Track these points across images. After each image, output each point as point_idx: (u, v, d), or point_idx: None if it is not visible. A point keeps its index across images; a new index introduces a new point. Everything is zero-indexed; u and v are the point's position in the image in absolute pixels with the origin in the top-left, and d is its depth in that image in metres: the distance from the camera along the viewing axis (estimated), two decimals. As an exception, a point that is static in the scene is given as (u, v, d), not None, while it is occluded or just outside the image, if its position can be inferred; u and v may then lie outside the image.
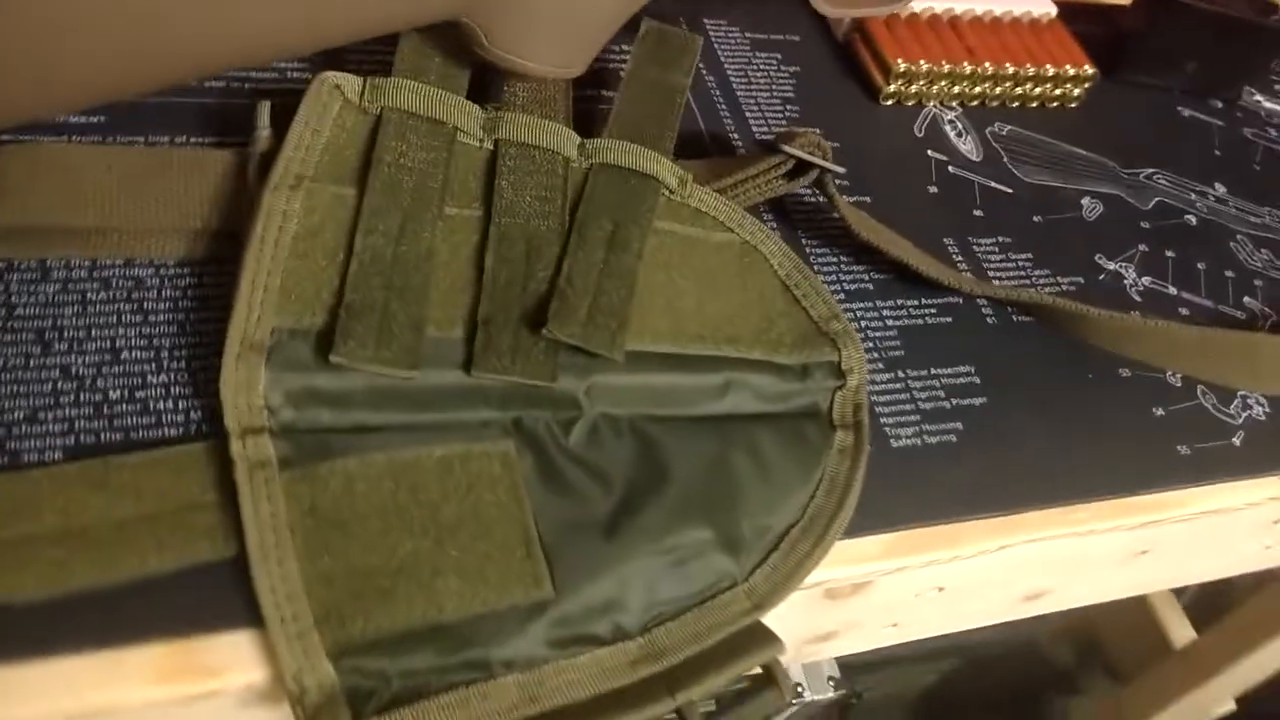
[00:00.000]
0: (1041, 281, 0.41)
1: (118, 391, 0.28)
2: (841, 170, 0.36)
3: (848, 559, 0.31)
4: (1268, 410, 0.39)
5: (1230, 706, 0.98)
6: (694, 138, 0.41)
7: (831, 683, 0.85)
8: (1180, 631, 0.95)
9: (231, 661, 0.25)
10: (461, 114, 0.32)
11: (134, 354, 0.29)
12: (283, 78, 0.37)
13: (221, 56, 0.27)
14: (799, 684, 0.84)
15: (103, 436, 0.28)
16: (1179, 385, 0.39)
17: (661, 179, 0.34)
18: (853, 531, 0.31)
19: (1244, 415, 0.39)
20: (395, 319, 0.28)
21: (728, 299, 0.33)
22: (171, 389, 0.29)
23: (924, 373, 0.36)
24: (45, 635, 0.24)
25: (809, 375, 0.32)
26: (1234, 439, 0.38)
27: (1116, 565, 0.39)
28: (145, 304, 0.30)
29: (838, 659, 0.96)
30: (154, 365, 0.29)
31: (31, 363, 0.28)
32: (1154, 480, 0.36)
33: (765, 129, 0.43)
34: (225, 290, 0.31)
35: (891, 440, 0.34)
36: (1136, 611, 1.00)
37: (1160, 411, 0.38)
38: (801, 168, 0.36)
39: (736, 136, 0.42)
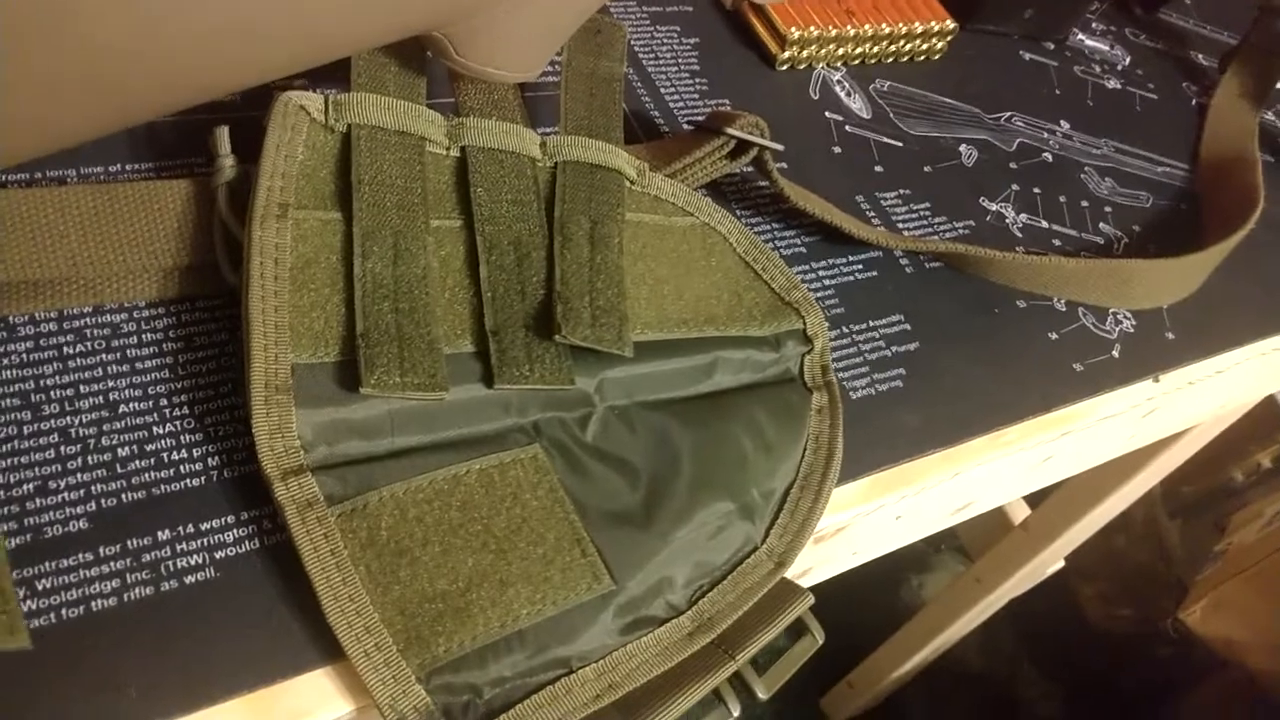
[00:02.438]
0: (941, 228, 0.45)
1: (126, 449, 0.27)
2: (780, 147, 0.39)
3: (835, 507, 0.35)
4: (1134, 324, 0.45)
5: (1060, 564, 1.12)
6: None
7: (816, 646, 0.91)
8: (1017, 510, 1.07)
9: (317, 701, 0.26)
10: (427, 124, 0.32)
11: (131, 406, 0.28)
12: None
13: (208, 80, 0.26)
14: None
15: (124, 498, 0.27)
16: (1064, 310, 0.44)
17: (622, 171, 0.35)
18: (837, 481, 0.35)
19: (1118, 330, 0.45)
20: (412, 343, 0.28)
21: (700, 281, 0.35)
22: (181, 438, 0.28)
23: (864, 326, 0.40)
24: (133, 708, 0.24)
25: (781, 344, 0.35)
26: (1113, 352, 0.44)
27: (1027, 472, 0.45)
28: (128, 351, 0.29)
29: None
30: (156, 416, 0.28)
31: (25, 430, 0.27)
32: (1060, 397, 0.41)
33: (682, 105, 0.44)
34: (209, 328, 0.30)
35: (851, 393, 0.37)
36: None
37: (1054, 335, 0.43)
38: (742, 147, 0.38)
39: (658, 115, 0.43)
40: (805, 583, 0.42)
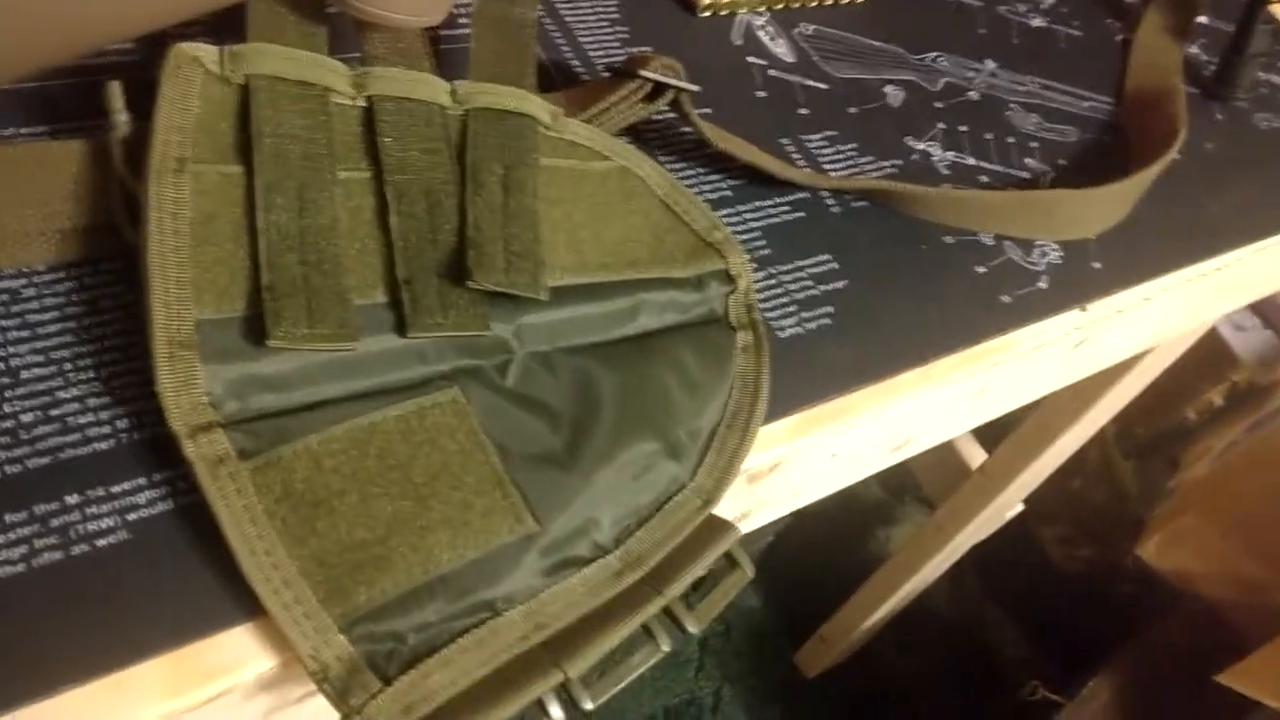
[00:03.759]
0: (867, 168, 0.45)
1: (30, 415, 0.27)
2: (696, 89, 0.38)
3: (763, 444, 0.35)
4: (1061, 254, 0.46)
5: (1019, 508, 1.14)
6: (539, 70, 0.41)
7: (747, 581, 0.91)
8: (974, 454, 1.09)
9: (238, 657, 0.25)
10: (329, 74, 0.32)
11: (34, 372, 0.28)
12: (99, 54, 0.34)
13: (85, 33, 0.25)
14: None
15: (29, 464, 0.26)
16: (991, 243, 0.45)
17: (535, 116, 0.35)
18: (765, 419, 0.35)
19: (1044, 262, 0.45)
20: (320, 293, 0.28)
21: (620, 224, 0.35)
22: (88, 402, 0.28)
23: (791, 266, 0.40)
24: (49, 672, 0.23)
25: (704, 285, 0.35)
26: (1040, 283, 0.44)
27: (962, 405, 0.45)
28: (28, 317, 0.28)
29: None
30: (61, 380, 0.28)
31: (-78, 402, 0.26)
32: (989, 329, 0.41)
33: (602, 53, 0.44)
34: (112, 290, 0.30)
35: (779, 333, 0.38)
36: (937, 445, 1.13)
37: (981, 269, 0.44)
38: (658, 90, 0.38)
39: (577, 63, 0.43)
40: (747, 526, 0.42)
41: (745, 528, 0.42)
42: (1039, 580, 1.34)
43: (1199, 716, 0.92)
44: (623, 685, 0.28)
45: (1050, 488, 1.18)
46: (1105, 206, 0.46)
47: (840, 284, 0.40)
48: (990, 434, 1.12)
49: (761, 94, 0.46)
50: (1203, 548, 1.02)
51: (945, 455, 1.10)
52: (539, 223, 0.32)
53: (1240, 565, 0.98)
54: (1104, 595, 1.23)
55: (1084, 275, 0.46)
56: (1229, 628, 0.97)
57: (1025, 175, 0.49)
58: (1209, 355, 1.23)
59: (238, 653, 0.25)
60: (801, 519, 1.34)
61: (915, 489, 1.40)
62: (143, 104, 0.30)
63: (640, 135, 0.42)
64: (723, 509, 0.38)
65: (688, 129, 0.42)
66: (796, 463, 0.38)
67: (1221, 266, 0.51)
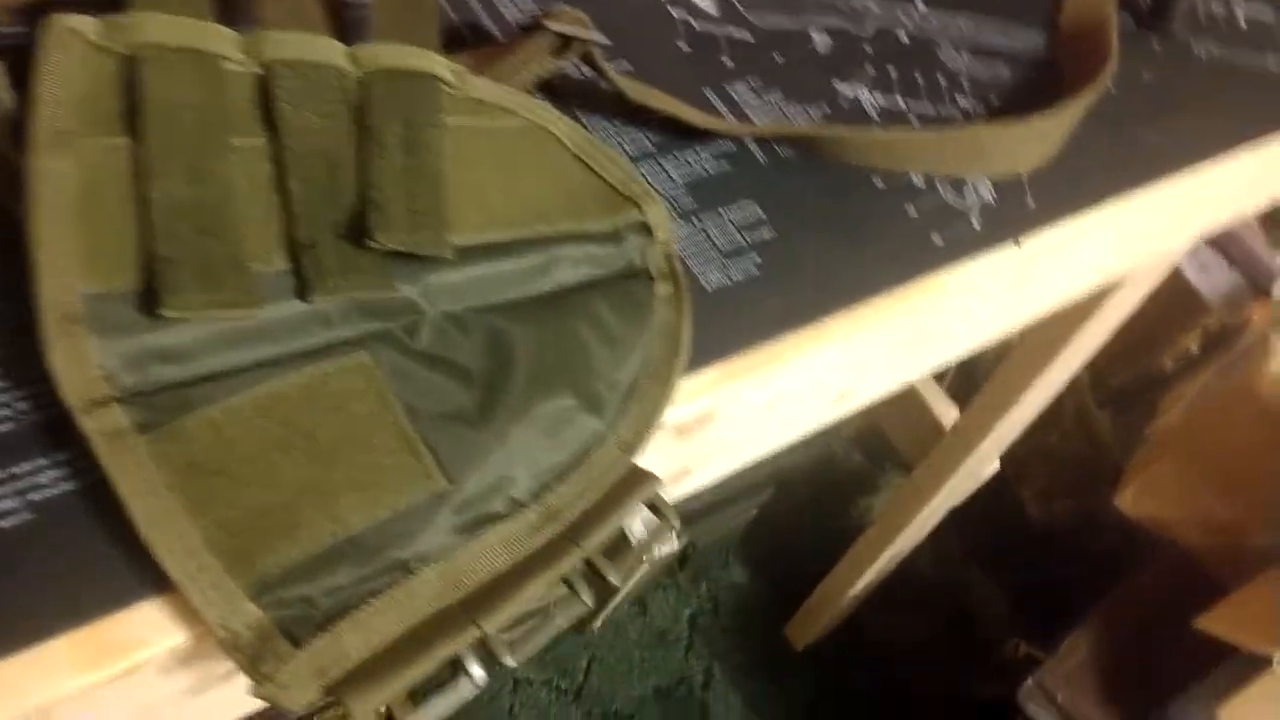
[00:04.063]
0: (795, 115, 0.45)
1: (-81, 401, 0.26)
2: (605, 40, 0.38)
3: (689, 395, 0.34)
4: (993, 192, 0.46)
5: (995, 466, 1.15)
6: (451, 32, 0.41)
7: (674, 533, 0.91)
8: (947, 413, 1.09)
9: (147, 631, 0.25)
10: (218, 40, 0.31)
11: (-77, 358, 0.27)
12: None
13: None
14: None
15: (-81, 450, 0.26)
16: (922, 185, 0.44)
17: (438, 75, 0.34)
18: (689, 370, 0.34)
19: (977, 200, 0.45)
20: (215, 261, 0.27)
21: (530, 181, 0.34)
22: (-20, 384, 0.27)
23: (716, 217, 0.39)
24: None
25: (621, 238, 0.35)
26: (972, 221, 0.44)
27: (903, 352, 0.45)
28: (-85, 304, 0.28)
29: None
30: (-49, 365, 0.27)
31: None
32: (919, 270, 0.41)
33: (517, 12, 0.43)
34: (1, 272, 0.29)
35: (704, 284, 0.37)
36: (910, 406, 1.13)
37: (912, 210, 0.43)
38: (567, 43, 0.37)
39: (490, 22, 0.42)
40: (690, 484, 0.41)
41: (688, 486, 0.42)
42: (1020, 538, 1.34)
43: (1179, 663, 0.93)
44: (546, 639, 0.27)
45: (1027, 444, 1.19)
46: (1035, 140, 0.46)
47: (767, 233, 0.40)
48: (963, 393, 1.13)
49: (684, 47, 0.46)
50: (1178, 494, 1.02)
51: (918, 416, 1.11)
52: (443, 181, 0.32)
53: (1215, 509, 0.99)
54: (1085, 549, 1.24)
55: (1017, 212, 0.45)
56: (1206, 573, 0.98)
57: (957, 115, 0.48)
58: (1177, 300, 1.23)
59: (148, 627, 0.25)
60: (786, 492, 1.34)
61: (895, 456, 1.41)
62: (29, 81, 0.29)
63: (558, 93, 0.41)
64: (658, 467, 0.38)
65: (609, 86, 0.41)
66: (729, 414, 0.37)
67: (1161, 197, 0.50)
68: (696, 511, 1.15)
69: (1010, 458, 1.16)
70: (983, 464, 1.11)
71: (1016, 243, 0.44)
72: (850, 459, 1.45)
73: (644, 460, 0.36)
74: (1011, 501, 1.34)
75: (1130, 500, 1.05)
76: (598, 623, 0.30)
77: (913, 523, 1.16)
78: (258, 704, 0.26)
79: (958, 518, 1.21)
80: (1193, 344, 1.37)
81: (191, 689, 0.27)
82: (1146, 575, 1.03)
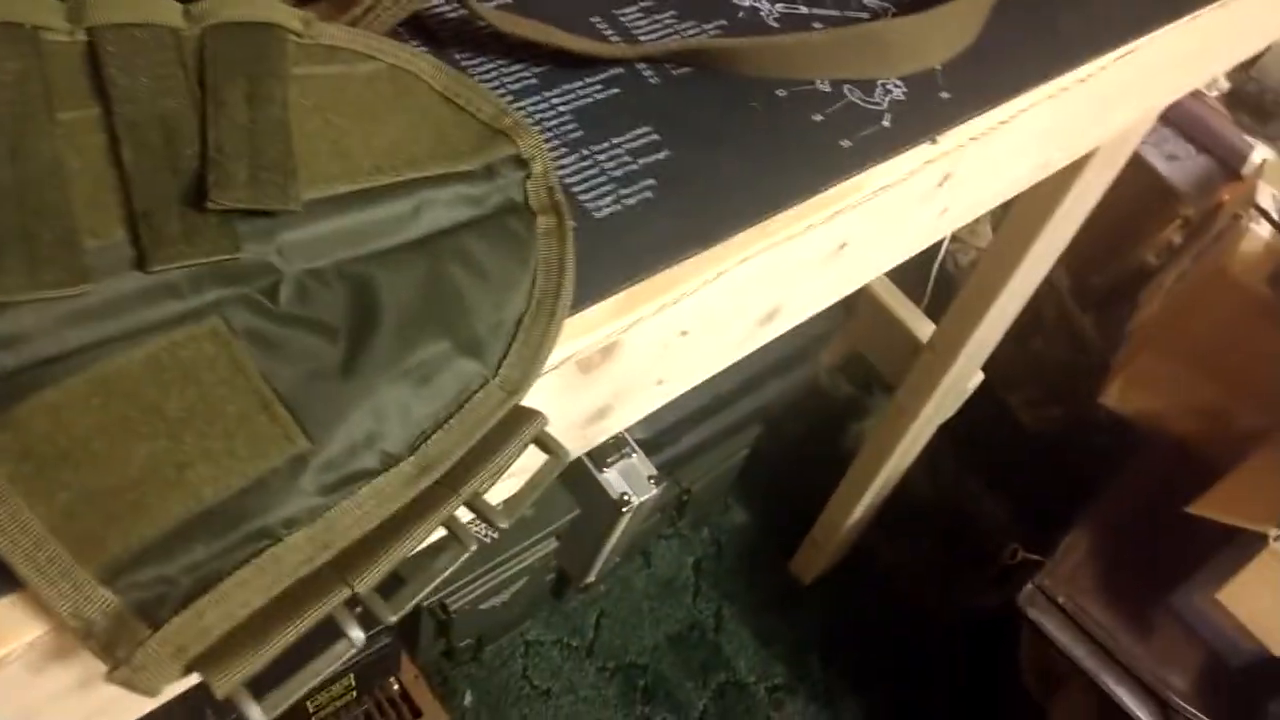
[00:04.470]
0: (690, 32, 0.43)
1: None
2: (462, -30, 0.36)
3: (585, 328, 0.33)
4: (905, 90, 0.44)
5: (979, 377, 1.13)
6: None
7: (652, 480, 0.91)
8: (923, 328, 1.07)
9: (3, 629, 0.24)
10: (35, 9, 0.29)
11: None
12: None
13: None
14: (624, 492, 0.89)
15: None
16: (829, 90, 0.43)
17: (282, 24, 0.32)
18: (581, 303, 0.33)
19: (887, 99, 0.43)
20: (40, 241, 0.26)
21: (394, 125, 0.33)
22: None
23: (606, 144, 0.38)
24: None
25: (495, 174, 0.33)
26: (883, 122, 0.42)
27: (825, 264, 0.43)
28: None
29: (655, 460, 1.03)
30: None
31: None
32: (828, 176, 0.39)
33: (384, -44, 0.41)
34: None
35: (594, 214, 0.36)
36: (887, 327, 1.11)
37: (818, 118, 0.41)
38: (425, -22, 0.36)
39: (357, -29, 0.40)
40: (614, 422, 0.40)
41: (612, 425, 0.41)
42: (1013, 447, 1.33)
43: (1177, 553, 0.92)
44: (426, 591, 0.26)
45: (1012, 353, 1.17)
46: (944, 31, 0.44)
47: (662, 155, 0.38)
48: (942, 309, 1.11)
49: (568, -26, 0.43)
50: (1163, 385, 1.01)
51: (896, 336, 1.09)
52: (289, 134, 0.30)
53: (1200, 395, 0.97)
54: (1078, 450, 1.23)
55: (931, 107, 0.43)
56: (1198, 460, 0.97)
57: (864, 16, 0.46)
58: (1149, 193, 1.21)
59: (4, 624, 0.24)
60: (776, 428, 1.33)
61: (880, 379, 1.39)
62: None
63: (435, 35, 0.39)
64: (573, 407, 0.37)
65: (484, 22, 0.40)
66: (637, 345, 0.36)
67: (1086, 78, 0.48)
68: (684, 456, 1.14)
69: (997, 367, 1.15)
70: (966, 376, 1.10)
71: (932, 140, 0.43)
72: (837, 387, 1.44)
73: (551, 402, 0.35)
74: (1002, 411, 1.33)
75: (1116, 396, 1.04)
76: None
77: (902, 443, 1.15)
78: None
79: (950, 432, 1.20)
80: (1174, 235, 1.35)
81: (78, 683, 0.26)
82: (1138, 469, 1.02)
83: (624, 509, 0.89)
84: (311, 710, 0.87)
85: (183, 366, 0.26)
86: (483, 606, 0.95)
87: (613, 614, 1.29)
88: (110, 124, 0.29)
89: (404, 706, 1.08)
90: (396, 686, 1.09)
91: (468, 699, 1.17)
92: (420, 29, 0.39)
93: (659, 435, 1.06)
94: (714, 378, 0.45)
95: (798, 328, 0.47)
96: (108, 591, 0.24)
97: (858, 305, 1.19)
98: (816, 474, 1.35)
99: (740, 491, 1.41)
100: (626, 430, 0.98)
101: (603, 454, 0.90)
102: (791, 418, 1.37)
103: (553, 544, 0.94)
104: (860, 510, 1.28)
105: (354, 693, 0.91)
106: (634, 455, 0.91)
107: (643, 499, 0.89)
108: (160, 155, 0.29)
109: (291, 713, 0.86)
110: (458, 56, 0.39)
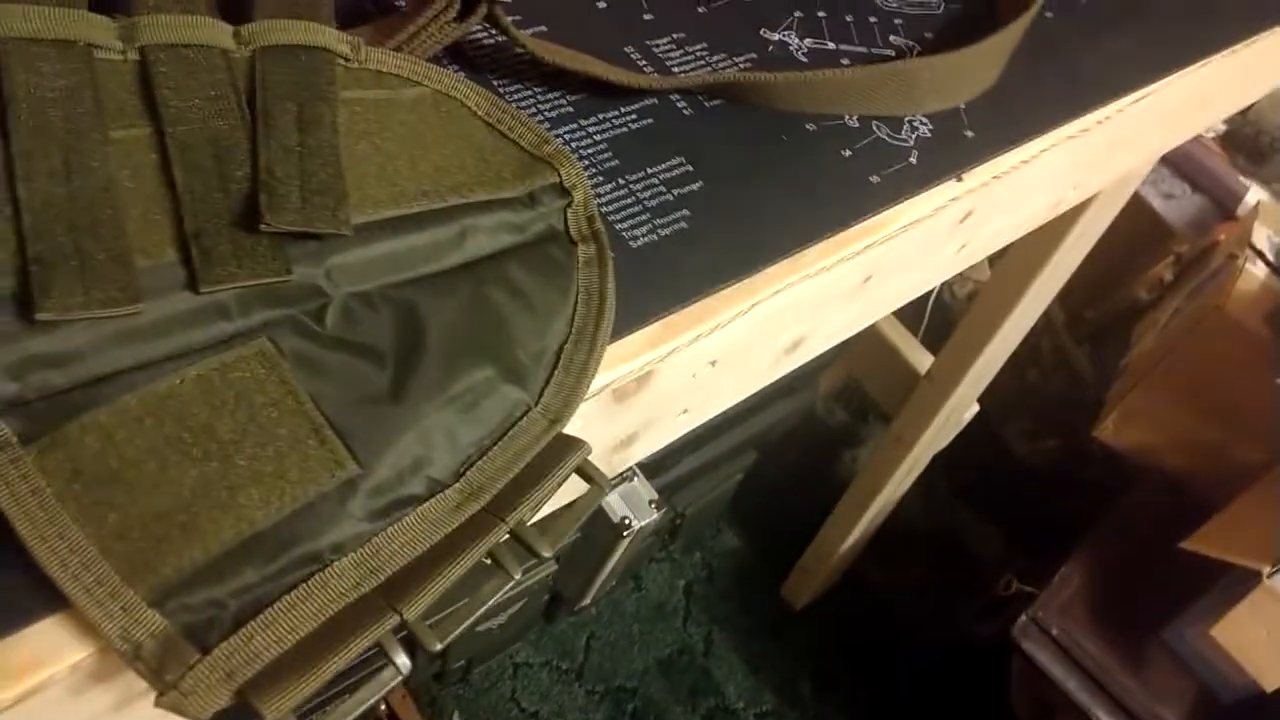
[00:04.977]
0: (720, 65, 0.43)
1: None
2: (507, -1, 0.36)
3: (622, 357, 0.33)
4: (931, 128, 0.44)
5: (974, 409, 1.14)
6: (353, 5, 0.39)
7: (653, 505, 0.91)
8: (921, 359, 1.08)
9: (48, 652, 0.24)
10: (90, 27, 0.29)
11: None
12: None
13: None
14: (625, 516, 0.89)
15: None
16: (857, 125, 0.43)
17: (331, 48, 0.32)
18: (619, 332, 0.33)
19: (913, 137, 0.44)
20: (94, 259, 0.26)
21: (438, 151, 0.33)
22: None
23: (641, 174, 0.38)
24: None
25: (537, 201, 0.33)
26: (910, 159, 0.43)
27: (851, 297, 0.44)
28: None
29: (653, 483, 1.03)
30: None
31: None
32: (858, 211, 0.40)
33: (422, -18, 0.41)
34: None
35: (630, 243, 0.36)
36: (885, 357, 1.12)
37: (848, 152, 0.42)
38: (470, 7, 0.36)
39: (396, -5, 0.41)
40: (640, 450, 0.40)
41: (636, 454, 0.41)
42: (1007, 479, 1.34)
43: (1171, 588, 0.93)
44: (473, 619, 0.26)
45: (1008, 385, 1.18)
46: (969, 71, 0.45)
47: (695, 186, 0.38)
48: (938, 339, 1.12)
49: (601, 4, 0.44)
50: (1157, 419, 1.01)
51: (894, 366, 1.10)
52: (339, 157, 0.30)
53: (1195, 430, 0.98)
54: (1072, 483, 1.23)
55: (957, 145, 0.44)
56: (1193, 495, 0.98)
57: (889, 53, 0.47)
58: (1144, 230, 1.23)
59: (46, 648, 0.24)
60: (770, 453, 1.33)
61: (877, 408, 1.40)
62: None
63: (472, 61, 0.39)
64: (603, 434, 0.37)
65: (522, 49, 0.40)
66: (669, 374, 0.36)
67: (1103, 120, 0.49)
68: (680, 481, 1.14)
69: (993, 399, 1.16)
70: (962, 407, 1.10)
71: (958, 177, 0.43)
72: (833, 415, 1.45)
73: (584, 429, 0.35)
74: (997, 443, 1.34)
75: (1111, 430, 1.05)
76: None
77: (897, 471, 1.16)
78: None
79: (945, 462, 1.21)
80: (1166, 273, 1.37)
81: (114, 706, 0.26)
82: (1132, 504, 1.03)
83: (625, 533, 0.88)
84: (305, 730, 0.86)
85: (234, 388, 0.26)
86: (479, 629, 0.94)
87: (603, 637, 1.28)
88: (162, 144, 0.29)
89: (392, 727, 1.07)
90: (384, 707, 1.08)
91: (456, 720, 1.16)
92: (458, 55, 0.39)
93: (657, 459, 1.06)
94: None
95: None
96: (157, 614, 0.23)
97: (856, 334, 1.19)
98: (810, 500, 1.35)
99: (733, 516, 1.41)
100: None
101: (605, 477, 0.89)
102: (787, 444, 1.37)
103: (552, 567, 0.94)
104: (853, 537, 1.28)
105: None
106: (635, 479, 0.91)
107: (644, 523, 0.89)
108: (211, 176, 0.29)
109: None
110: (495, 83, 0.39)
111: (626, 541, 0.90)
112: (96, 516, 0.24)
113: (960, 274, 1.45)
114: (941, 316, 1.33)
